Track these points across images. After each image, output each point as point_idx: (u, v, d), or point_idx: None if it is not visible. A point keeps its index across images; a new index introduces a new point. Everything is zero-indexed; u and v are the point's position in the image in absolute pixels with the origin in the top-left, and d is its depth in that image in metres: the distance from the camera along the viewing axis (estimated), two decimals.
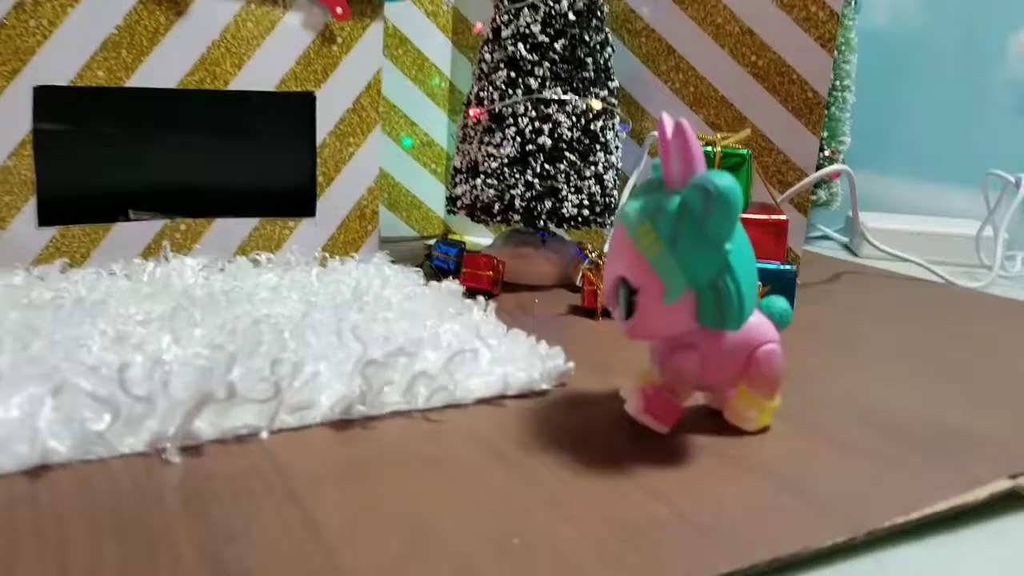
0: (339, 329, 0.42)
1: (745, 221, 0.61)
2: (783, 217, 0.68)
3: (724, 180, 0.34)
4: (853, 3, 0.98)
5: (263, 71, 0.69)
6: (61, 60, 0.61)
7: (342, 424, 0.38)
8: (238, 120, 0.73)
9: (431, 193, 0.92)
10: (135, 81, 0.64)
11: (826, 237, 1.10)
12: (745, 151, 0.66)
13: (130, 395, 0.34)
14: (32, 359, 0.37)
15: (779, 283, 0.62)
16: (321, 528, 0.29)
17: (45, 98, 0.61)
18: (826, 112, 0.97)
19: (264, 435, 0.36)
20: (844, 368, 0.53)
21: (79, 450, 0.33)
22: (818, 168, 0.78)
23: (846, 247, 1.04)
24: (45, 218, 0.63)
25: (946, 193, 1.12)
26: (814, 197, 1.01)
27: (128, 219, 0.67)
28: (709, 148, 0.64)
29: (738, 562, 0.28)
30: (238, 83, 0.68)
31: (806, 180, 0.76)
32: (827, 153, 0.98)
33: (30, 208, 0.62)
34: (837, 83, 0.97)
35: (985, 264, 0.91)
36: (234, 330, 0.41)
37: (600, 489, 0.33)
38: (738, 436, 0.40)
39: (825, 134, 0.98)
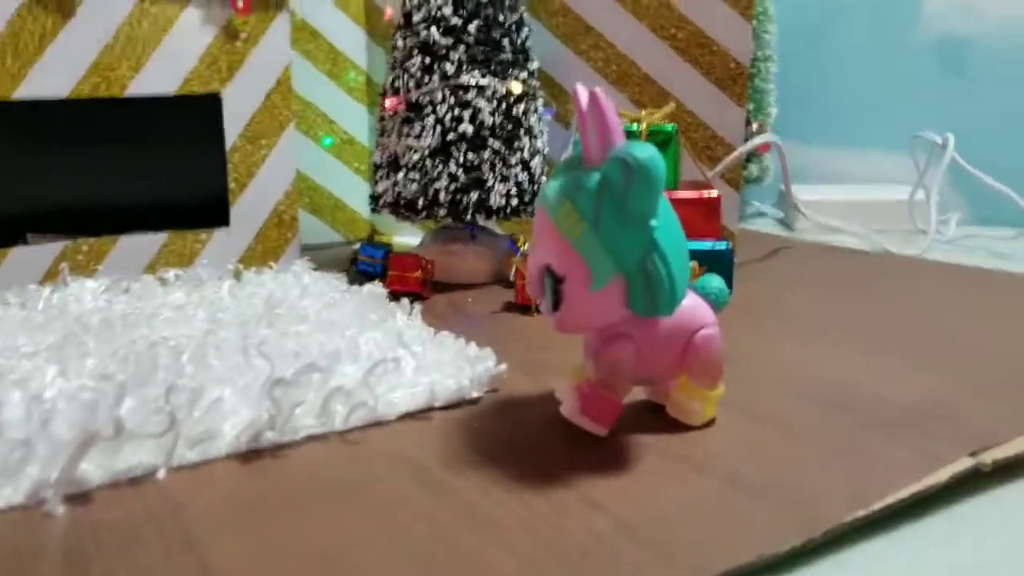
0: (245, 347, 0.39)
1: (676, 200, 0.60)
2: (715, 194, 0.67)
3: (644, 151, 0.32)
4: None
5: (163, 73, 0.64)
6: None
7: (250, 455, 0.35)
8: (139, 127, 0.68)
9: (355, 194, 0.88)
10: (23, 92, 0.59)
11: (761, 214, 1.10)
12: (671, 126, 0.65)
13: (5, 439, 0.31)
14: None
15: (715, 262, 0.60)
16: (225, 567, 0.26)
17: None
18: (750, 84, 0.96)
19: (161, 474, 0.33)
20: (785, 344, 0.52)
21: None
22: (746, 142, 0.77)
23: (781, 222, 1.04)
24: None
25: (876, 159, 1.13)
26: (746, 173, 1.01)
27: (26, 243, 0.62)
28: (634, 125, 0.62)
29: None
30: (136, 88, 0.63)
31: (735, 153, 0.75)
32: (755, 127, 0.97)
33: None
34: (759, 54, 0.97)
35: (920, 229, 0.91)
36: (127, 357, 0.37)
37: (536, 507, 0.31)
38: (682, 431, 0.38)
39: (751, 107, 0.98)
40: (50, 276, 0.61)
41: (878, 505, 0.31)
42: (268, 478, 0.33)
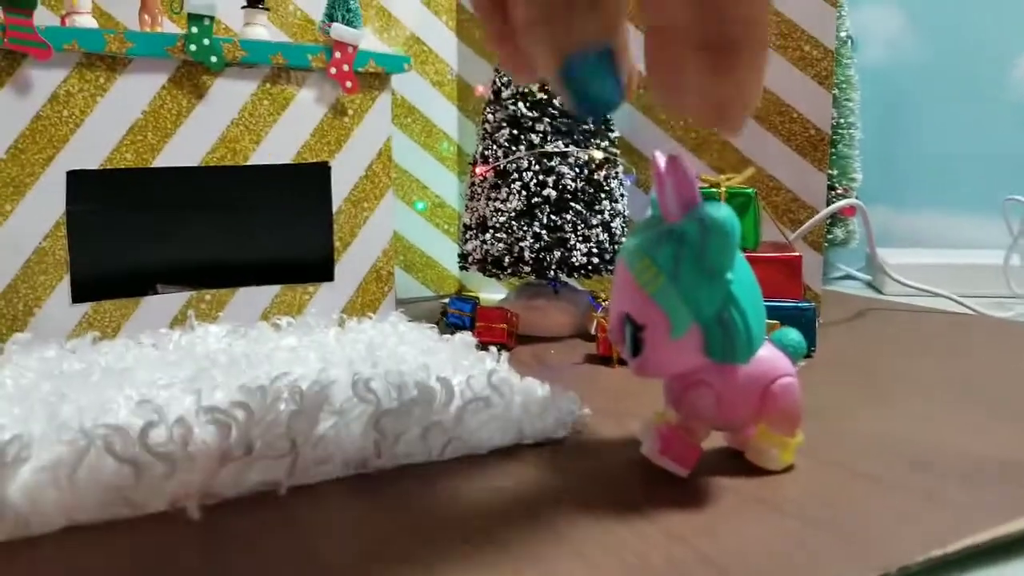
0: (354, 384, 0.43)
1: (757, 259, 0.62)
2: (795, 254, 0.68)
3: (719, 210, 0.35)
4: (850, 42, 1.00)
5: (280, 145, 0.72)
6: (92, 146, 0.65)
7: (358, 478, 0.39)
8: (258, 193, 0.76)
9: (445, 253, 0.94)
10: (160, 162, 0.68)
11: (849, 276, 1.10)
12: (750, 190, 0.67)
13: (152, 454, 0.35)
14: (61, 425, 0.38)
15: (797, 321, 0.62)
16: (337, 571, 0.29)
17: (77, 182, 0.65)
18: (834, 150, 0.98)
19: (282, 490, 0.37)
20: (871, 403, 0.52)
21: (102, 510, 0.34)
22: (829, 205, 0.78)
23: (870, 285, 1.04)
24: (78, 295, 0.65)
25: (966, 223, 1.11)
26: (831, 236, 1.01)
27: (156, 292, 0.69)
28: (714, 190, 0.65)
29: None
30: (256, 158, 0.71)
31: (817, 216, 0.76)
32: (839, 191, 0.98)
33: (64, 286, 0.65)
34: (842, 121, 0.99)
35: (1016, 293, 0.89)
36: (253, 390, 0.42)
37: (620, 534, 0.33)
38: (761, 476, 0.39)
39: (835, 172, 0.99)
40: (177, 321, 0.68)
41: (955, 547, 0.31)
42: (374, 499, 0.37)
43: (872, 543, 0.32)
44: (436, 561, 0.31)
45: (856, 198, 1.01)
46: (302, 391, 0.40)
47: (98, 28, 0.65)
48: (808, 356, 0.63)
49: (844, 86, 0.99)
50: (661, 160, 0.37)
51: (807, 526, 0.34)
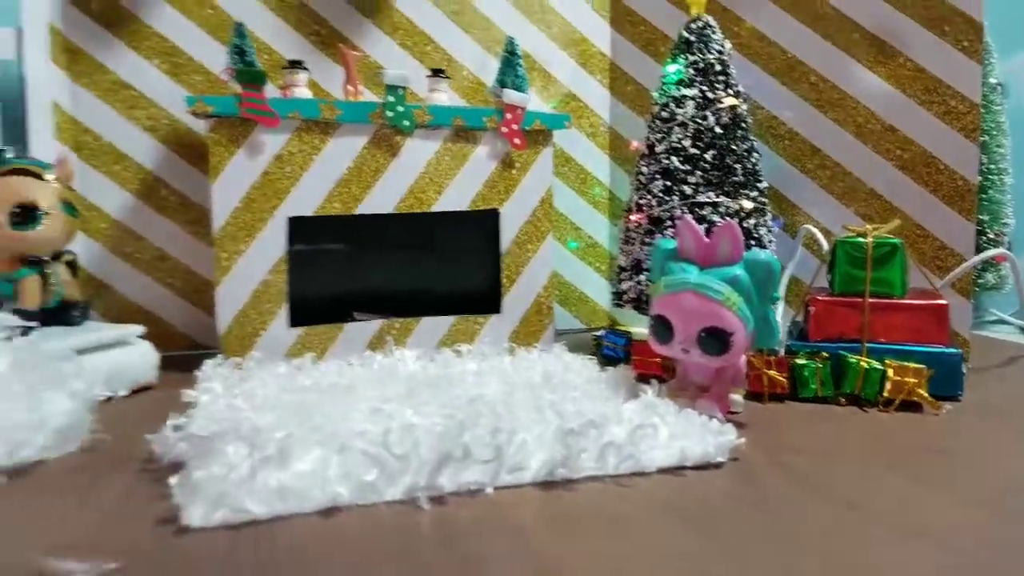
0: (539, 406, 0.51)
1: (904, 307, 0.66)
2: (942, 301, 0.71)
3: (768, 255, 0.57)
4: (1000, 88, 0.99)
5: (457, 194, 0.83)
6: (307, 196, 0.78)
7: (547, 484, 0.46)
8: (438, 235, 0.87)
9: (596, 289, 1.02)
10: (361, 209, 0.80)
11: (1001, 321, 1.08)
12: (896, 240, 0.70)
13: (391, 454, 0.45)
14: (315, 428, 0.49)
15: (943, 366, 0.64)
16: (545, 562, 0.37)
17: (295, 226, 0.78)
18: (984, 195, 0.97)
19: (489, 490, 0.45)
20: (1015, 445, 0.54)
21: (356, 496, 0.44)
22: (979, 251, 0.79)
23: (1022, 331, 1.02)
24: (294, 320, 0.78)
25: None
26: (981, 281, 1.01)
27: (354, 319, 0.81)
28: (861, 239, 0.69)
29: None
30: (438, 205, 0.82)
31: (965, 265, 0.78)
32: (991, 235, 0.98)
33: (284, 313, 0.78)
34: (992, 167, 0.98)
35: None
36: (457, 406, 0.51)
37: (779, 545, 0.39)
38: (908, 506, 0.44)
39: (987, 217, 0.99)
40: (372, 345, 0.79)
41: None
42: (559, 504, 0.44)
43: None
44: (618, 555, 0.38)
45: (1008, 243, 1.00)
46: (497, 409, 0.49)
47: (313, 99, 0.79)
48: (955, 400, 0.65)
49: (994, 132, 0.99)
50: (696, 227, 0.59)
51: (936, 548, 0.38)
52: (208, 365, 0.68)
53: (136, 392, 0.68)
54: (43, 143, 0.81)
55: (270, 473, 0.43)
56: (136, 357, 0.70)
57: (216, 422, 0.51)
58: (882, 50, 0.81)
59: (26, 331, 0.65)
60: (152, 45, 0.85)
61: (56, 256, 0.72)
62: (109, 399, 0.63)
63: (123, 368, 0.67)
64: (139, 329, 0.71)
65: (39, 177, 0.70)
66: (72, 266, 0.74)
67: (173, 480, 0.44)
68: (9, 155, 0.71)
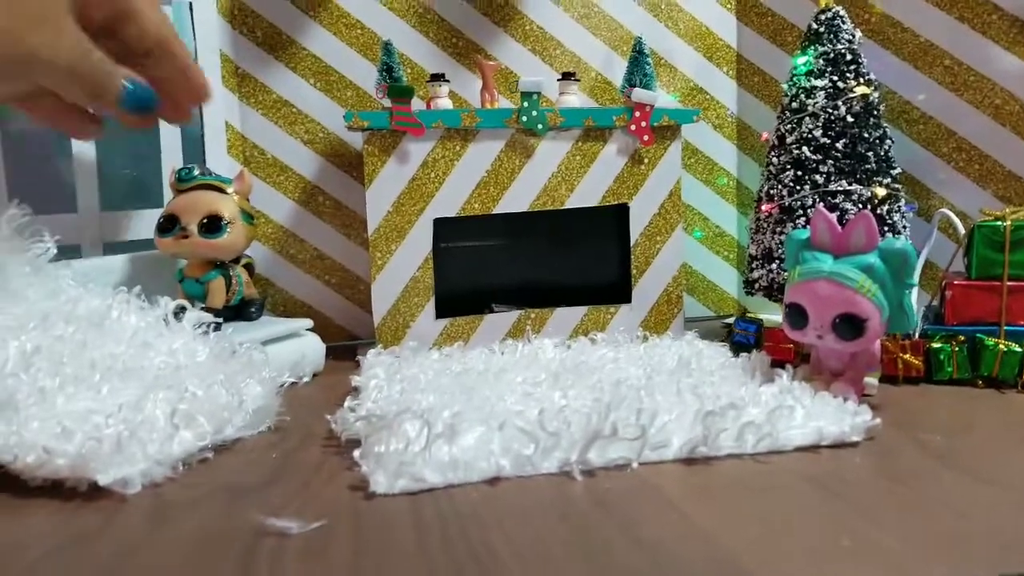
0: (678, 389, 0.55)
1: None
2: None
3: (903, 243, 0.58)
4: None
5: (588, 191, 0.87)
6: (451, 198, 0.85)
7: (688, 461, 0.50)
8: (571, 231, 0.92)
9: (724, 277, 1.03)
10: (499, 208, 0.86)
11: None
12: None
13: (546, 431, 0.50)
14: (477, 407, 0.55)
15: None
16: (695, 522, 0.41)
17: (440, 226, 0.85)
18: None
19: (635, 465, 0.50)
20: None
21: (516, 468, 0.49)
22: None
23: None
24: (440, 312, 0.85)
25: None
26: None
27: (492, 311, 0.87)
28: (999, 223, 0.68)
29: None
30: (571, 202, 0.87)
31: None
32: None
33: (430, 306, 0.85)
34: None
35: None
36: (602, 389, 0.56)
37: (913, 512, 0.41)
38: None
39: None
40: (510, 334, 0.85)
41: None
42: (702, 477, 0.48)
43: None
44: (769, 517, 0.41)
45: None
46: (640, 392, 0.53)
47: (455, 108, 0.85)
48: None
49: None
50: (830, 217, 0.60)
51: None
52: (370, 354, 0.76)
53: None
54: (218, 159, 0.92)
55: (441, 447, 0.49)
56: (309, 347, 0.79)
57: (388, 403, 0.58)
58: (1022, 30, 0.78)
59: (217, 326, 0.75)
60: (308, 65, 0.94)
61: (237, 260, 0.83)
62: (293, 384, 0.72)
63: (302, 357, 0.77)
64: (308, 323, 0.81)
65: (222, 191, 0.81)
66: (250, 268, 0.85)
67: (356, 453, 0.51)
68: (196, 172, 0.82)
